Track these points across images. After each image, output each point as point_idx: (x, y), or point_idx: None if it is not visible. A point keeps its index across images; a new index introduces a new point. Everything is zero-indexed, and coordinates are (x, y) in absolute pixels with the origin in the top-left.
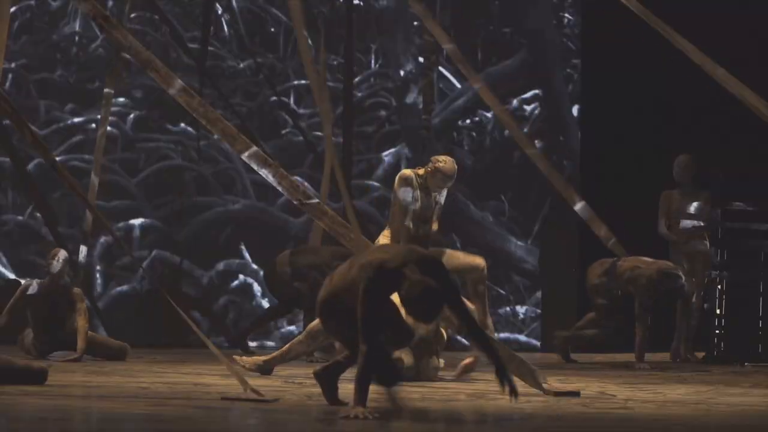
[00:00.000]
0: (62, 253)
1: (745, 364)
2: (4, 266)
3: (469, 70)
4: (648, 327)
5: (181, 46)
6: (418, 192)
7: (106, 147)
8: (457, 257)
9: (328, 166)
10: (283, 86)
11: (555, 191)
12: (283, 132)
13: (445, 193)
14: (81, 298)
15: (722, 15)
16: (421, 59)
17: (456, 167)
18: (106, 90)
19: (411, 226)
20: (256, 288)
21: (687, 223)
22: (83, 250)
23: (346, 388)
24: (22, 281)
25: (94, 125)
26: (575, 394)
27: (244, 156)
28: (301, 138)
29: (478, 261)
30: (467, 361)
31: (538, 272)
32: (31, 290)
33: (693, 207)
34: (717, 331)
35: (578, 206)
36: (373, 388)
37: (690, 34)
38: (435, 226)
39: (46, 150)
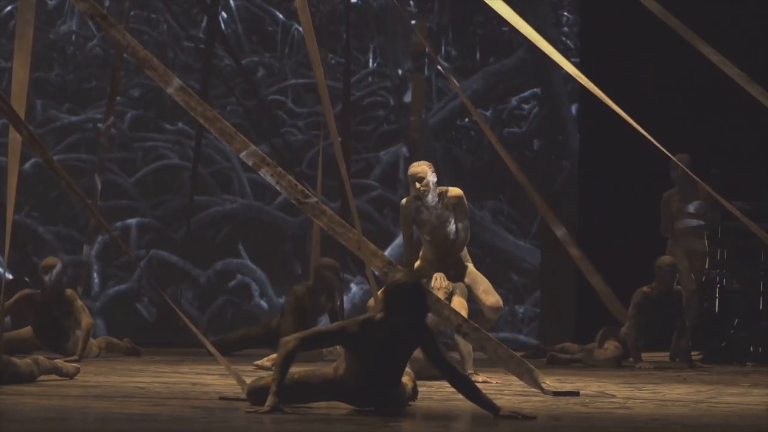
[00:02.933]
0: (57, 266)
1: (745, 363)
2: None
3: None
4: (638, 328)
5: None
6: (423, 212)
7: (104, 146)
8: (478, 287)
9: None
10: (280, 85)
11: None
12: (282, 131)
13: (452, 202)
14: (74, 297)
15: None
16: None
17: (413, 165)
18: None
19: (428, 243)
20: (255, 287)
21: (687, 223)
22: (86, 248)
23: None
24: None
25: (91, 124)
26: (574, 393)
27: (243, 155)
28: (299, 137)
29: (492, 301)
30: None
31: (537, 271)
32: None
33: (692, 206)
34: (717, 331)
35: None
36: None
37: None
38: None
39: (43, 149)
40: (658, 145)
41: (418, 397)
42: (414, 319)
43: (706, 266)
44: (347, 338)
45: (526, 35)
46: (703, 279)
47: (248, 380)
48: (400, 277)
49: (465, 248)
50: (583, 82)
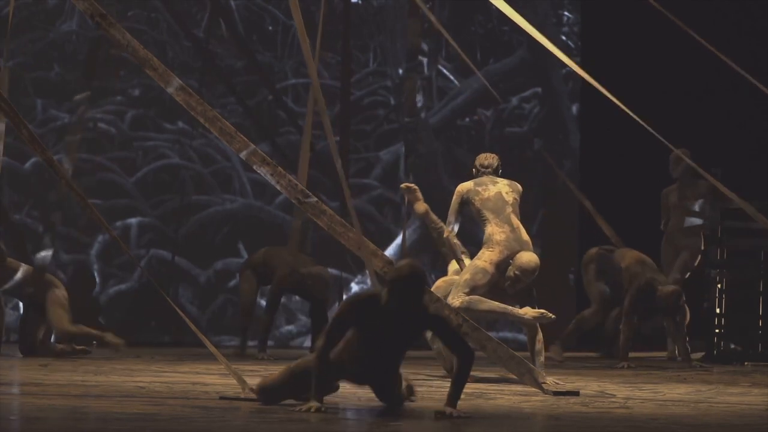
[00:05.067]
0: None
1: (745, 363)
2: None
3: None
4: (633, 327)
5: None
6: None
7: (104, 145)
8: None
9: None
10: (280, 85)
11: (554, 190)
12: (282, 131)
13: None
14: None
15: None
16: (423, 58)
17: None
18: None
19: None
20: None
21: (689, 222)
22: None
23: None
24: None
25: (91, 124)
26: (574, 393)
27: (243, 155)
28: (299, 136)
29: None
30: None
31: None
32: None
33: (695, 205)
34: (717, 331)
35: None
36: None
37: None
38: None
39: (43, 148)
40: (659, 137)
41: (422, 396)
42: (412, 307)
43: (696, 263)
44: (355, 316)
45: (528, 32)
46: (687, 275)
47: (249, 380)
48: (404, 264)
49: (486, 241)
50: (584, 76)
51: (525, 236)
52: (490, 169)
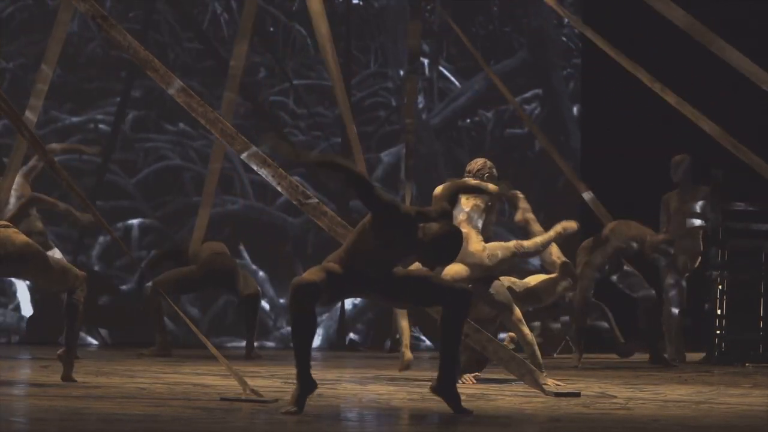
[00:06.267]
0: None
1: (746, 364)
2: None
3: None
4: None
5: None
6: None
7: (105, 146)
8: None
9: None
10: (281, 86)
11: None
12: (283, 132)
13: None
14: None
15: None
16: (424, 61)
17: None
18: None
19: None
20: None
21: (689, 223)
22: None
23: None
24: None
25: (92, 125)
26: (575, 394)
27: (244, 156)
28: (300, 137)
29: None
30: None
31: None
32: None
33: (697, 207)
34: (717, 332)
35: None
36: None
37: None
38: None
39: (44, 150)
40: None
41: (422, 397)
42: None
43: (696, 264)
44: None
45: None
46: (686, 275)
47: (249, 381)
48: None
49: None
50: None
51: (472, 247)
52: (470, 174)
